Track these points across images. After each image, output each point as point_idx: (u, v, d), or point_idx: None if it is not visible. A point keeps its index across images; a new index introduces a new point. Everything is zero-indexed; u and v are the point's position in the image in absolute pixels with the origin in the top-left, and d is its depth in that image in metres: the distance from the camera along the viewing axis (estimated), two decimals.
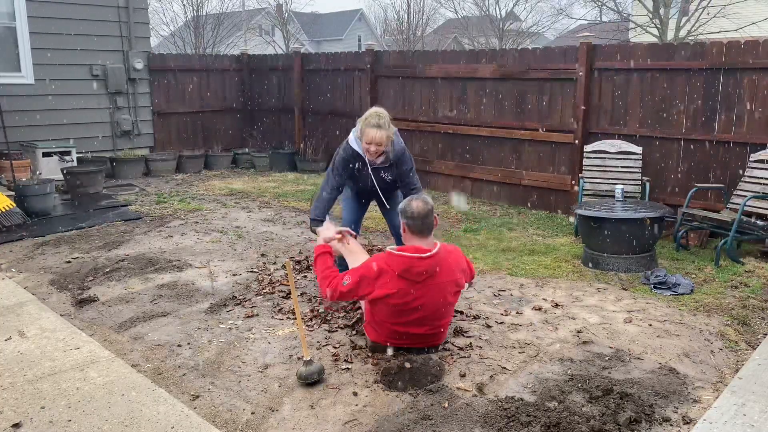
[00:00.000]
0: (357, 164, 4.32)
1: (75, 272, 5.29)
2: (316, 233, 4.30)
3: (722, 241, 5.53)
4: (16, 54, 8.92)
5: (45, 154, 8.76)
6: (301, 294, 4.79)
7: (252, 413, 3.14)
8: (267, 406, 3.20)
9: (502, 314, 4.41)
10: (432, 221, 3.57)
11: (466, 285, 3.80)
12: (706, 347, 3.90)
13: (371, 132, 4.10)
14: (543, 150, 7.72)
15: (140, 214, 7.32)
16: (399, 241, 4.23)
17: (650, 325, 4.23)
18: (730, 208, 5.89)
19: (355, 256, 4.03)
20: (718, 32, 15.35)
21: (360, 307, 4.17)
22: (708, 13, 16.98)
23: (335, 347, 3.85)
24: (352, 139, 4.32)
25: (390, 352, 3.68)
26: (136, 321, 4.29)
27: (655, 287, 4.93)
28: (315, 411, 3.16)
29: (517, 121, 7.92)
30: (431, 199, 3.72)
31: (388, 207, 4.63)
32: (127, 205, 7.81)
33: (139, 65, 10.03)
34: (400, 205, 3.66)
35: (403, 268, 3.44)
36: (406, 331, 3.58)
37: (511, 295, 4.82)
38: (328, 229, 4.17)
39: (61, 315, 4.36)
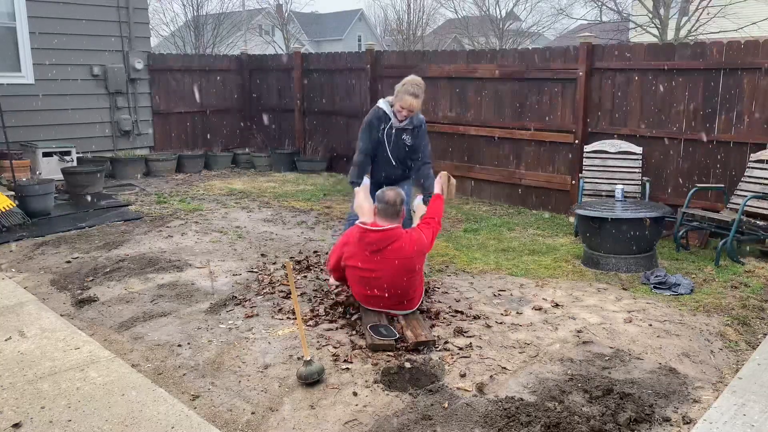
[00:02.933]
0: (383, 125, 4.72)
1: (75, 272, 5.30)
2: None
3: (722, 241, 5.53)
4: (16, 54, 8.92)
5: (45, 154, 8.77)
6: (301, 294, 4.79)
7: (252, 413, 3.14)
8: (267, 406, 3.20)
9: (502, 314, 4.41)
10: (398, 210, 4.08)
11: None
12: (706, 347, 3.90)
13: (408, 99, 4.56)
14: (543, 150, 7.72)
15: (140, 214, 7.32)
16: (408, 224, 4.57)
17: (650, 325, 4.23)
18: (730, 208, 5.89)
19: (363, 211, 4.52)
20: (718, 32, 15.34)
21: (358, 310, 4.29)
22: (708, 13, 16.98)
23: (335, 347, 3.85)
24: (381, 102, 4.78)
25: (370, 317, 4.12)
26: (136, 321, 4.29)
27: (655, 287, 4.93)
28: (315, 411, 3.16)
29: (517, 121, 7.92)
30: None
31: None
32: (127, 205, 7.81)
33: (139, 65, 10.03)
34: (378, 191, 4.20)
35: (358, 235, 4.08)
36: (373, 294, 4.07)
37: (511, 295, 4.82)
38: (365, 195, 4.65)
39: (61, 315, 4.36)
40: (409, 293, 4.15)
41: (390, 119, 4.69)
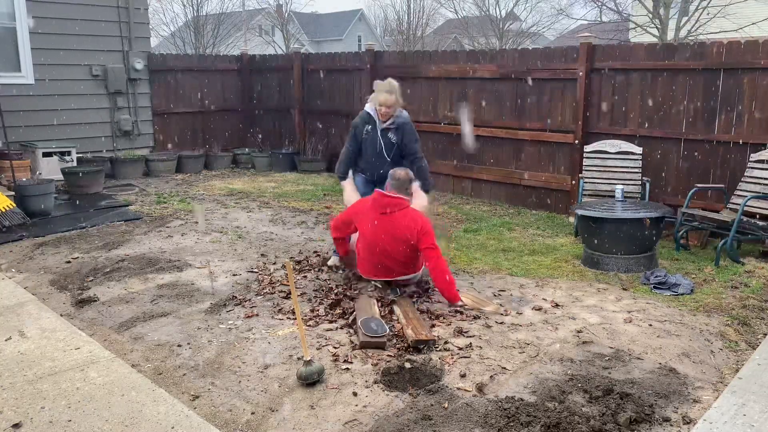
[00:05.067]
0: (368, 127, 5.18)
1: (75, 272, 5.29)
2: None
3: (722, 241, 5.52)
4: (16, 54, 8.92)
5: (45, 154, 8.77)
6: (301, 294, 4.79)
7: (252, 413, 3.14)
8: (267, 406, 3.21)
9: (502, 314, 4.41)
10: (407, 187, 4.70)
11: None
12: (706, 347, 3.90)
13: (383, 96, 5.04)
14: (543, 150, 7.72)
15: (140, 214, 7.32)
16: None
17: (650, 325, 4.23)
18: (730, 208, 5.89)
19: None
20: (718, 32, 15.33)
21: (354, 310, 4.32)
22: (708, 13, 16.97)
23: (335, 347, 3.86)
24: (367, 106, 5.27)
25: (372, 285, 4.76)
26: (136, 321, 4.29)
27: (655, 287, 4.93)
28: (315, 411, 3.16)
29: (517, 121, 7.92)
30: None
31: None
32: (127, 205, 7.81)
33: (139, 65, 10.03)
34: (391, 170, 4.77)
35: (374, 198, 4.68)
36: (377, 260, 4.62)
37: (511, 295, 4.82)
38: (352, 189, 5.24)
39: (61, 315, 4.36)
40: (408, 264, 4.68)
41: (375, 120, 5.16)
